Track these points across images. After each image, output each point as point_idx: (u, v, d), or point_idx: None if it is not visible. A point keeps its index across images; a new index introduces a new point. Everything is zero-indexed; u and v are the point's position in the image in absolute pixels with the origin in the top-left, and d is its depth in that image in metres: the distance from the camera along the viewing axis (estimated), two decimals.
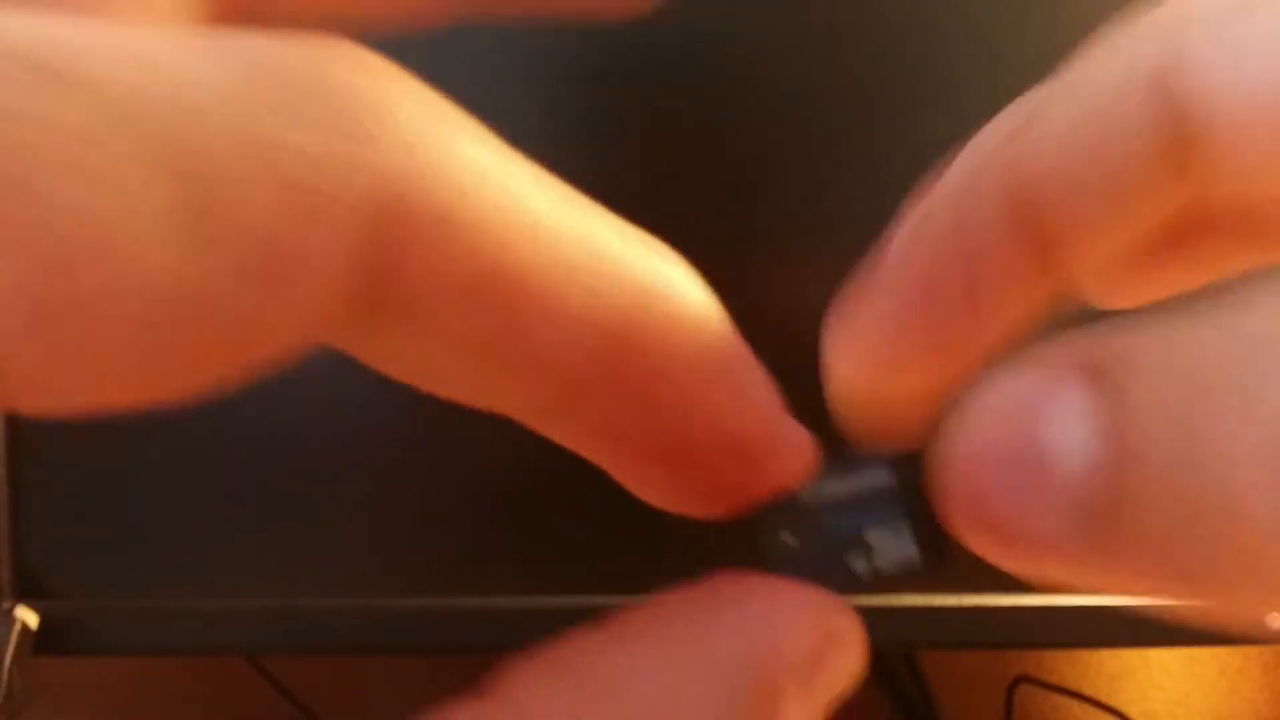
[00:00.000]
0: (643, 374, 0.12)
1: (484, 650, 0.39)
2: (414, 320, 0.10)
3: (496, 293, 0.10)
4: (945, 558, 0.14)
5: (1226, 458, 0.09)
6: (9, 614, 0.35)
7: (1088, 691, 0.54)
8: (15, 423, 0.35)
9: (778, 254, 0.36)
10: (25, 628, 0.35)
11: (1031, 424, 0.11)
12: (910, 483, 0.14)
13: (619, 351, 0.11)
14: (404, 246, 0.10)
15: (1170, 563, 0.10)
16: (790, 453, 0.13)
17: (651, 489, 0.14)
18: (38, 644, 0.35)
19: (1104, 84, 0.13)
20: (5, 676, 0.34)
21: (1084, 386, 0.10)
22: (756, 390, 0.13)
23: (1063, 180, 0.13)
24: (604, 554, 0.37)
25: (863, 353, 0.14)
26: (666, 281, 0.12)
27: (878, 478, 0.14)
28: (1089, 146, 0.13)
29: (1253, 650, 0.54)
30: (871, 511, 0.14)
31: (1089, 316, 0.12)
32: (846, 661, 0.13)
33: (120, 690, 0.50)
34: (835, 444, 0.14)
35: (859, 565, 0.14)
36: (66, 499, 0.36)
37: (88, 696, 0.49)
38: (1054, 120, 0.13)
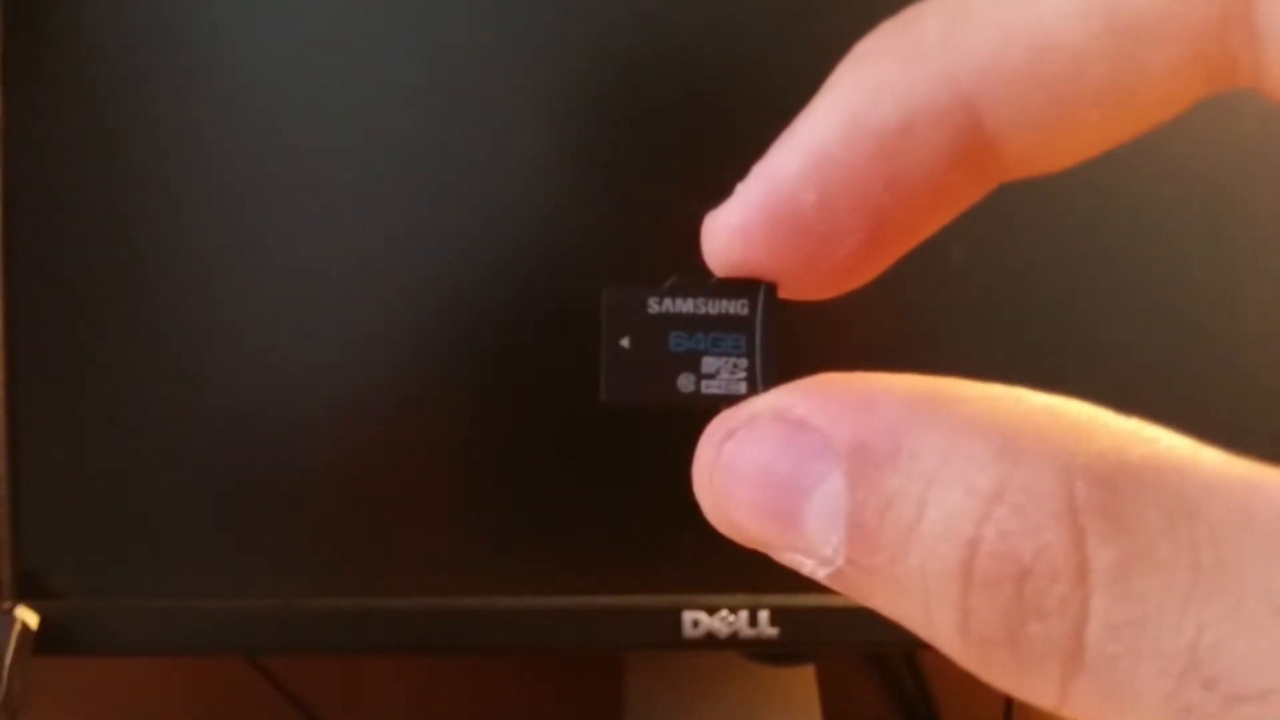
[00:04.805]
0: None
1: (484, 650, 0.39)
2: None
3: None
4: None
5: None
6: (9, 614, 0.35)
7: None
8: (15, 422, 0.35)
9: None
10: (25, 628, 0.35)
11: (795, 498, 0.12)
12: (766, 320, 0.14)
13: None
14: None
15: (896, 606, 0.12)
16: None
17: None
18: (38, 644, 0.35)
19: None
20: (5, 676, 0.34)
21: (843, 474, 0.12)
22: None
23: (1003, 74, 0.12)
24: (604, 554, 0.37)
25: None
26: None
27: (733, 307, 0.14)
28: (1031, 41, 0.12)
29: None
30: (715, 338, 0.14)
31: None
32: None
33: (120, 690, 0.50)
34: (698, 268, 0.15)
35: (685, 384, 0.14)
36: (66, 498, 0.36)
37: (88, 696, 0.49)
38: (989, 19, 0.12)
